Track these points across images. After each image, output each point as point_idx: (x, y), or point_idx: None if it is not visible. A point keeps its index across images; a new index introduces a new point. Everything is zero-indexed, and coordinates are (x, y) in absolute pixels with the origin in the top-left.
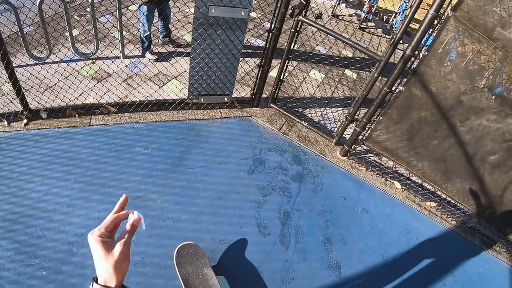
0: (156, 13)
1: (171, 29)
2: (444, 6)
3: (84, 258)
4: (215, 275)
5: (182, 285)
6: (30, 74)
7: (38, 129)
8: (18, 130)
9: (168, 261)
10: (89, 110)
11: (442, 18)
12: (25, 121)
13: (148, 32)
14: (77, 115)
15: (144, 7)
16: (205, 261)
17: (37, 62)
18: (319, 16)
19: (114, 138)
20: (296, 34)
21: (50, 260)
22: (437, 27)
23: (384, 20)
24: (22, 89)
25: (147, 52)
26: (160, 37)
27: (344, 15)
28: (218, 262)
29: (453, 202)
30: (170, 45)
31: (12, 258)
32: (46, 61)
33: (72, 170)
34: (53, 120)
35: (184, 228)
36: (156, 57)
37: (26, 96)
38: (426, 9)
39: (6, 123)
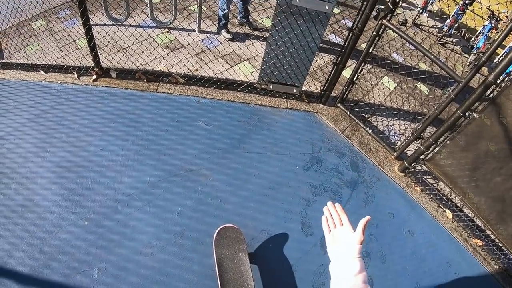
0: None
1: (251, 11)
2: None
3: (127, 218)
4: (250, 263)
5: (216, 265)
6: (106, 33)
7: (105, 86)
8: (86, 85)
9: (207, 239)
10: (158, 77)
11: None
12: (94, 77)
13: (227, 11)
14: (145, 80)
15: None
16: (243, 247)
17: (115, 23)
18: (404, 23)
19: (178, 108)
20: (377, 37)
21: (94, 213)
22: None
23: (466, 38)
24: (97, 46)
25: (223, 30)
26: (238, 17)
27: (425, 26)
28: (255, 250)
29: (501, 246)
30: (247, 26)
31: (58, 203)
32: (123, 23)
33: (132, 131)
34: (122, 80)
35: (229, 210)
36: (232, 36)
37: (99, 54)
38: None
39: (76, 76)
